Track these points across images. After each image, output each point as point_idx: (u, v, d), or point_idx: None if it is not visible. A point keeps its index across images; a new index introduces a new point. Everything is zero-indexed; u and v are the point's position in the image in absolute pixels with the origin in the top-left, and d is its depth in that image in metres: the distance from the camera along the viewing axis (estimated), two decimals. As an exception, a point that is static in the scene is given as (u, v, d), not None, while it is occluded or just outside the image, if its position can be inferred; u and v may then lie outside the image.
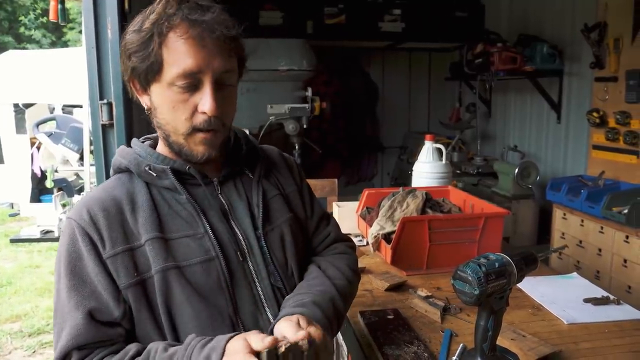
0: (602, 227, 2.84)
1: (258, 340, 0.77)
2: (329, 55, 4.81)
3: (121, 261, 0.91)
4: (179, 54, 0.89)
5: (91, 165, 4.21)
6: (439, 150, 2.42)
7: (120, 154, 1.04)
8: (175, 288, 0.91)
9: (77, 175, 4.98)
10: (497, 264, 0.93)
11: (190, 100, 0.92)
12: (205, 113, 0.92)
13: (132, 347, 0.88)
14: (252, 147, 1.13)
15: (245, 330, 0.91)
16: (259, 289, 0.98)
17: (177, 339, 0.92)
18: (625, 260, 2.69)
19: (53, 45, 16.14)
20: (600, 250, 2.87)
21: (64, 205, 4.25)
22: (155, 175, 0.98)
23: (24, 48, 14.39)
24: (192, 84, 0.91)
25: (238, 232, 1.00)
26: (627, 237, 2.67)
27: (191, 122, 0.93)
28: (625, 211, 2.66)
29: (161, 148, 1.03)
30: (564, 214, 3.16)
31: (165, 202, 0.98)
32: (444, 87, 5.48)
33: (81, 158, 4.49)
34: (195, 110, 0.93)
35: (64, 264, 0.92)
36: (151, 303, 0.92)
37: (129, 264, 0.91)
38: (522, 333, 1.26)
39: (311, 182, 3.17)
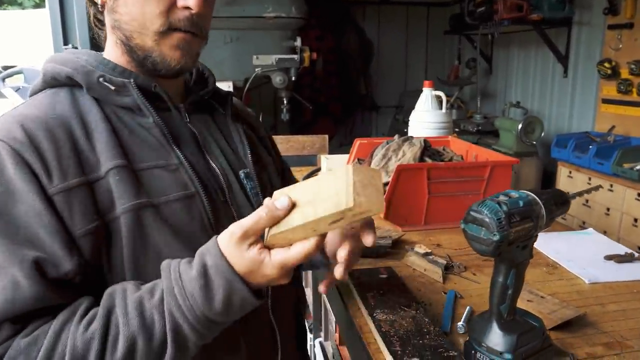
0: (611, 185, 2.65)
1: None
2: (321, 9, 4.51)
3: (76, 198, 0.67)
4: None
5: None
6: (439, 98, 2.19)
7: (58, 61, 0.78)
8: (151, 231, 0.70)
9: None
10: (521, 203, 0.71)
11: None
12: (188, 8, 0.75)
13: (82, 301, 0.66)
14: (216, 86, 0.95)
15: None
16: None
17: None
18: (635, 220, 2.51)
19: (37, 7, 15.53)
20: (608, 209, 2.68)
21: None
22: (113, 89, 0.75)
23: (5, 10, 13.85)
24: None
25: (216, 168, 0.82)
26: (639, 194, 2.47)
27: (167, 17, 0.74)
28: (638, 167, 2.46)
29: (113, 58, 0.80)
30: (570, 172, 2.96)
31: (123, 125, 0.75)
32: (442, 44, 5.20)
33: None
34: (172, 5, 0.74)
35: None
36: (111, 252, 0.69)
37: (87, 202, 0.67)
38: (539, 294, 1.06)
39: (300, 138, 2.99)
